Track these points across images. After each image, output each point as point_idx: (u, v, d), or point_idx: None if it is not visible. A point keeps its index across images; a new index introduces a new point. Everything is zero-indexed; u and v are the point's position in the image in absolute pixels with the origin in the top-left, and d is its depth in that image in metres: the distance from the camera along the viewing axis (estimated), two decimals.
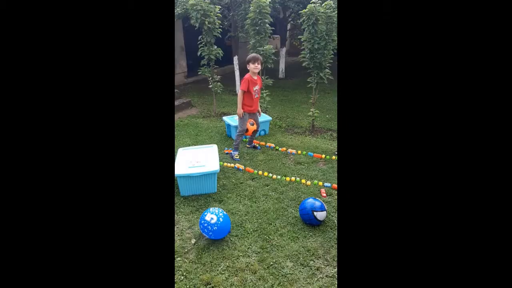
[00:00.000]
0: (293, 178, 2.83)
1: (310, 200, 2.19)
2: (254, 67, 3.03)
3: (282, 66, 7.70)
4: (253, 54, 3.12)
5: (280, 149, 3.51)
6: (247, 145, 3.56)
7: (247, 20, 3.97)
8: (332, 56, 3.73)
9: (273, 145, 3.59)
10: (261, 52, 3.94)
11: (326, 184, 2.73)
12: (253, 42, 3.97)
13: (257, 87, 3.14)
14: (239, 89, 3.10)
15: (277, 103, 5.65)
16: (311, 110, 4.01)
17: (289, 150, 3.45)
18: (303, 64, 3.75)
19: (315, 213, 2.12)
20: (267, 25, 3.94)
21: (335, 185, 2.69)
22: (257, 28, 3.91)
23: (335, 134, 4.00)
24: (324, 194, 2.58)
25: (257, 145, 3.56)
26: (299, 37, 3.72)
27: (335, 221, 2.24)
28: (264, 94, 4.25)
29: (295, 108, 5.27)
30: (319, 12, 3.43)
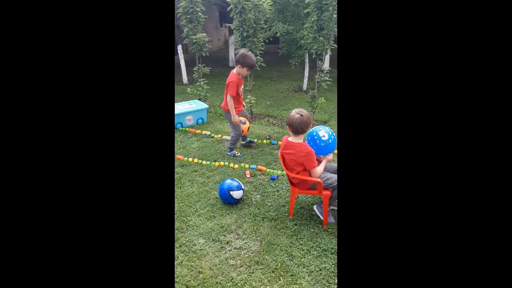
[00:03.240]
0: (221, 163, 2.95)
1: (228, 181, 2.32)
2: (246, 73, 2.82)
3: (231, 54, 7.71)
4: (253, 60, 2.79)
5: (215, 136, 3.60)
6: (242, 142, 3.25)
7: (179, 9, 3.93)
8: (263, 44, 3.86)
9: (209, 132, 3.67)
10: (194, 40, 3.95)
11: (252, 166, 2.89)
12: (186, 31, 3.95)
13: (242, 86, 2.93)
14: (227, 95, 2.80)
15: (221, 91, 5.70)
16: (248, 97, 4.14)
17: (224, 137, 3.56)
18: (235, 52, 3.83)
19: (231, 192, 2.26)
20: (200, 14, 3.94)
21: (260, 167, 2.86)
22: (188, 16, 3.89)
23: (271, 120, 4.18)
24: (248, 176, 2.73)
25: (253, 139, 3.35)
26: (229, 24, 3.79)
27: (253, 198, 2.40)
28: (202, 82, 4.28)
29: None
30: (245, 1, 3.51)
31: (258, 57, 3.84)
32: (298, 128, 1.97)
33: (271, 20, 4.76)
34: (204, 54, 4.07)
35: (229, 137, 3.51)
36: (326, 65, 7.32)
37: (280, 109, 4.60)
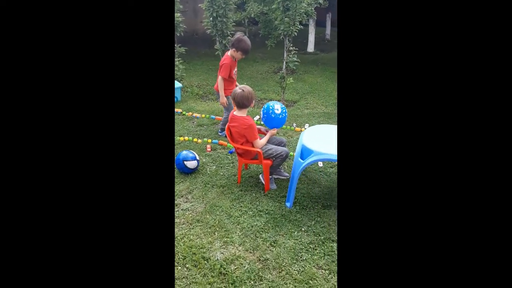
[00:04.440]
0: (186, 138, 3.15)
1: (184, 152, 2.53)
2: (240, 57, 2.86)
3: None
4: (248, 45, 2.77)
5: (186, 113, 3.78)
6: (219, 133, 3.17)
7: None
8: (234, 24, 3.96)
9: (180, 110, 3.85)
10: None
11: (214, 141, 3.09)
12: None
13: (235, 69, 2.97)
14: (218, 76, 2.85)
15: (203, 71, 5.82)
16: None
17: (195, 114, 3.74)
18: (207, 32, 3.94)
19: (185, 162, 2.47)
20: None
21: (221, 141, 3.07)
22: None
23: None
24: (209, 149, 2.94)
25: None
26: (199, 5, 3.88)
27: (208, 169, 2.62)
28: (178, 62, 4.41)
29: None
30: None
31: (229, 37, 3.97)
32: (239, 102, 2.15)
33: (248, 1, 4.82)
34: (178, 34, 4.17)
35: (199, 114, 3.70)
36: (311, 47, 7.41)
37: (255, 90, 4.75)
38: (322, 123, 3.51)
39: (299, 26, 3.72)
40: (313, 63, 6.50)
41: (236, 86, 3.10)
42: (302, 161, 2.05)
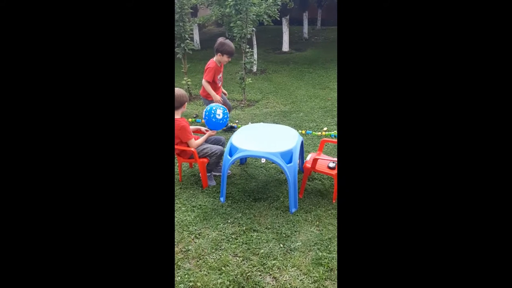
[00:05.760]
0: None
1: None
2: (227, 60, 2.89)
3: (196, 38, 7.86)
4: (231, 47, 2.82)
5: None
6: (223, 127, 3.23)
7: None
8: (192, 28, 4.08)
9: None
10: None
11: None
12: None
13: (220, 75, 3.01)
14: (203, 80, 2.89)
15: (176, 74, 5.94)
16: (184, 79, 4.41)
17: None
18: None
19: None
20: None
21: None
22: None
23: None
24: None
25: (234, 125, 3.42)
26: None
27: None
28: None
29: (192, 79, 5.62)
30: None
31: (188, 40, 4.09)
32: None
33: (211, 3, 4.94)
34: None
35: None
36: (285, 47, 7.54)
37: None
38: (277, 122, 3.64)
39: (252, 28, 3.85)
40: (284, 63, 6.63)
41: (222, 92, 3.15)
42: (230, 158, 2.18)
